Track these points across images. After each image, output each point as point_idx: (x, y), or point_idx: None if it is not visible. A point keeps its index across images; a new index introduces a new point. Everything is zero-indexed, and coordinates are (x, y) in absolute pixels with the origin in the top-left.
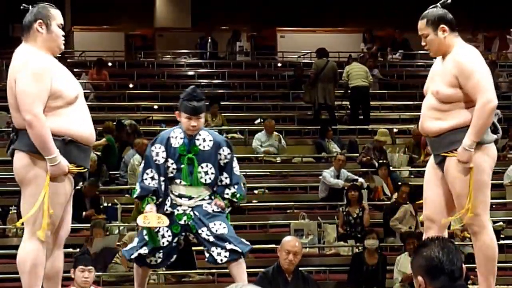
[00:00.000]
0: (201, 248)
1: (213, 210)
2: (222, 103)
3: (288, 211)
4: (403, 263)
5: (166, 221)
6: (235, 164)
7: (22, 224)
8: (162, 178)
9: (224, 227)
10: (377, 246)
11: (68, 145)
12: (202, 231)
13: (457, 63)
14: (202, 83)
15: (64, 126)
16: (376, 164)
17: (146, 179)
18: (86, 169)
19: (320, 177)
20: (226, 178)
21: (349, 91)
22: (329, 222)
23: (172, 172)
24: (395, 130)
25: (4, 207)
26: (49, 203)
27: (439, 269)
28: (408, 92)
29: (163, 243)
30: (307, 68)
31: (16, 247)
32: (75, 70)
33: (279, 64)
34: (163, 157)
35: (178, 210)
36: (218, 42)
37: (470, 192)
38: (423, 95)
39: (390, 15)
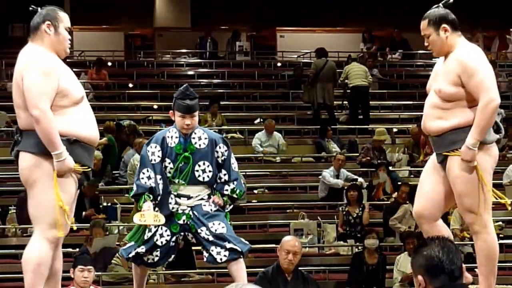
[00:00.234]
0: (201, 248)
1: (211, 210)
2: (221, 102)
3: (288, 211)
4: (403, 263)
5: (162, 219)
6: (233, 160)
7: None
8: (159, 177)
9: (223, 227)
10: (377, 245)
11: (73, 144)
12: (201, 230)
13: (460, 62)
14: (202, 83)
15: (70, 126)
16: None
17: (142, 178)
18: (90, 169)
19: (320, 176)
20: (224, 175)
21: (349, 90)
22: (329, 221)
23: (169, 172)
24: (394, 130)
25: (4, 206)
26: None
27: (439, 269)
28: (408, 92)
29: (162, 242)
30: (307, 68)
31: (15, 247)
32: (74, 69)
33: (279, 64)
34: (159, 156)
35: (177, 210)
36: (218, 42)
37: (483, 179)
38: (423, 94)
39: (390, 15)
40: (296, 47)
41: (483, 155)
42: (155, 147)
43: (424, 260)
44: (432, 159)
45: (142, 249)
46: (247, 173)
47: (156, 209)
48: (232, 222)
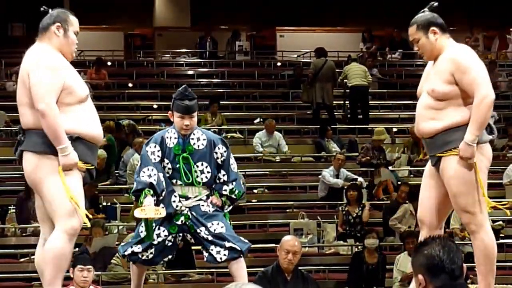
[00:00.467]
0: (200, 247)
1: (210, 210)
2: (221, 102)
3: (288, 210)
4: (403, 263)
5: (163, 212)
6: (232, 161)
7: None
8: (161, 174)
9: (222, 226)
10: (377, 245)
11: (76, 142)
12: (201, 230)
13: (452, 60)
14: (202, 83)
15: (74, 124)
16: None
17: (143, 176)
18: (93, 167)
19: (320, 176)
20: (223, 175)
21: (348, 90)
22: (329, 221)
23: (168, 172)
24: (394, 129)
25: (3, 206)
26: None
27: (440, 268)
28: (407, 92)
29: (158, 241)
30: (307, 68)
31: (14, 247)
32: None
33: (279, 64)
34: (158, 156)
35: (180, 208)
36: (218, 42)
37: (482, 187)
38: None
39: (390, 15)
40: (296, 47)
41: (477, 154)
42: (155, 146)
43: (425, 259)
44: (428, 164)
45: (138, 249)
46: (246, 172)
47: (161, 205)
48: (232, 222)
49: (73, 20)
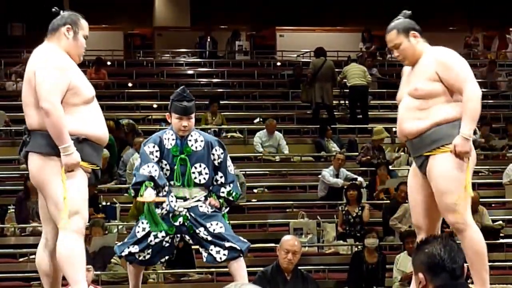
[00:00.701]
0: (200, 248)
1: (208, 211)
2: (221, 102)
3: (288, 210)
4: (403, 262)
5: (165, 199)
6: (230, 163)
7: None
8: (161, 172)
9: (221, 227)
10: (377, 245)
11: (82, 143)
12: (200, 231)
13: (435, 59)
14: (202, 82)
15: (79, 125)
16: (375, 163)
17: (143, 170)
18: (98, 167)
19: (320, 176)
20: (221, 177)
21: (347, 90)
22: (329, 221)
23: (166, 174)
24: (394, 129)
25: (3, 206)
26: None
27: (441, 267)
28: None
29: (155, 242)
30: (306, 68)
31: (14, 246)
32: None
33: (279, 64)
34: (157, 156)
35: (173, 212)
36: (218, 41)
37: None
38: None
39: (390, 15)
40: (295, 46)
41: None
42: (153, 146)
43: (426, 258)
44: (412, 168)
45: (135, 249)
46: (246, 172)
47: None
48: (232, 222)
49: (84, 24)
